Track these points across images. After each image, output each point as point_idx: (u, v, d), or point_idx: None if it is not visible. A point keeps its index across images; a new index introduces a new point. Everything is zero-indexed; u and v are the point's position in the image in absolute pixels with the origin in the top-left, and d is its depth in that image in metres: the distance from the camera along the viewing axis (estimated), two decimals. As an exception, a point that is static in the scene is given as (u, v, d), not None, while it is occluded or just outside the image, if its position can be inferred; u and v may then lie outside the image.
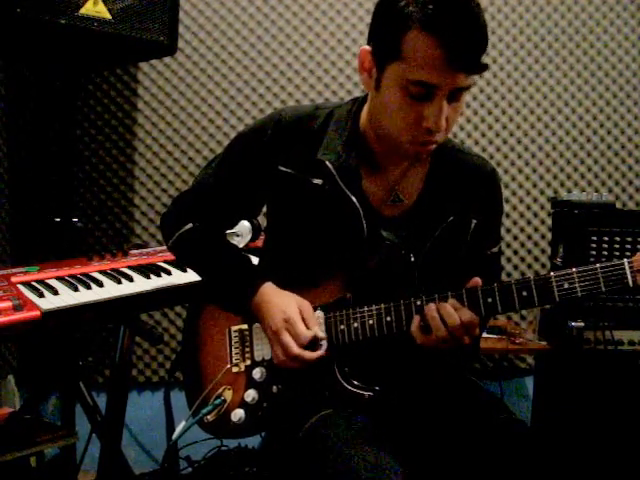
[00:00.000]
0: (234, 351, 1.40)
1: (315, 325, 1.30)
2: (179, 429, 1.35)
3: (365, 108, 1.33)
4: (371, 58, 1.21)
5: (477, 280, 1.21)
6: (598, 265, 1.14)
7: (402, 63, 1.14)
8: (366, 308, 1.29)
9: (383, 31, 1.18)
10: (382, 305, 1.28)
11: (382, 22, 1.19)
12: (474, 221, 1.37)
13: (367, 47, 1.22)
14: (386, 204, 1.35)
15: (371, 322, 1.28)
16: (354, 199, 1.30)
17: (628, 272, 1.13)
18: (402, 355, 1.36)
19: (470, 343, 1.22)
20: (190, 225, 1.45)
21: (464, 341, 1.20)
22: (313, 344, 1.29)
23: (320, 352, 1.29)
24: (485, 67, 1.15)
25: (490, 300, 1.20)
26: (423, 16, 1.10)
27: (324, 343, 1.30)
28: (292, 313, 1.29)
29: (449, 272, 1.35)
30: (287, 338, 1.28)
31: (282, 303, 1.31)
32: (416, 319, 1.23)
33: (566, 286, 1.16)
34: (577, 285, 1.15)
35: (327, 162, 1.30)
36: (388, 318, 1.27)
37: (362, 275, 1.32)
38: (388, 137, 1.25)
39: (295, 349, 1.27)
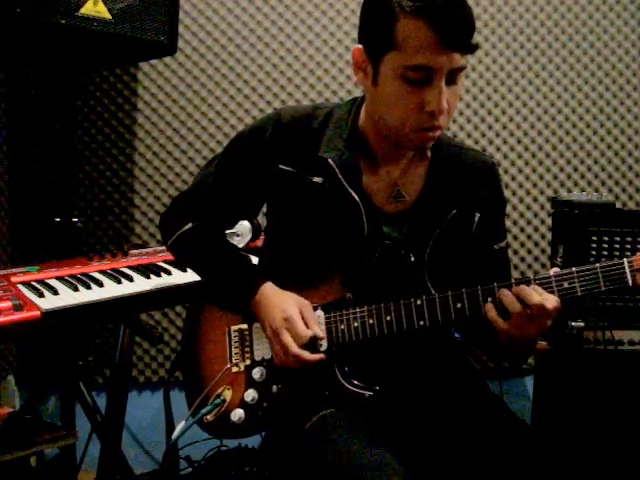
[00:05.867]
0: (234, 351, 1.40)
1: (315, 325, 1.30)
2: (179, 429, 1.35)
3: (363, 108, 1.34)
4: (365, 55, 1.23)
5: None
6: (598, 264, 1.15)
7: (397, 52, 1.16)
8: (366, 308, 1.29)
9: (374, 25, 1.21)
10: (382, 304, 1.28)
11: (372, 16, 1.22)
12: (477, 214, 1.37)
13: (359, 46, 1.24)
14: (387, 201, 1.35)
15: (371, 321, 1.28)
16: (355, 196, 1.30)
17: (628, 272, 1.14)
18: (402, 355, 1.36)
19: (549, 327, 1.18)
20: (190, 225, 1.45)
21: (546, 325, 1.17)
22: (313, 344, 1.29)
23: (320, 355, 1.28)
24: (477, 46, 1.17)
25: (490, 299, 1.20)
26: (411, 2, 1.12)
27: (324, 343, 1.30)
28: (292, 312, 1.29)
29: (456, 269, 1.35)
30: (287, 338, 1.28)
31: (282, 302, 1.31)
32: (490, 306, 1.19)
33: (566, 285, 1.17)
34: (577, 284, 1.16)
35: (329, 159, 1.30)
36: (388, 317, 1.27)
37: (362, 274, 1.32)
38: (392, 130, 1.25)
39: (295, 349, 1.26)
